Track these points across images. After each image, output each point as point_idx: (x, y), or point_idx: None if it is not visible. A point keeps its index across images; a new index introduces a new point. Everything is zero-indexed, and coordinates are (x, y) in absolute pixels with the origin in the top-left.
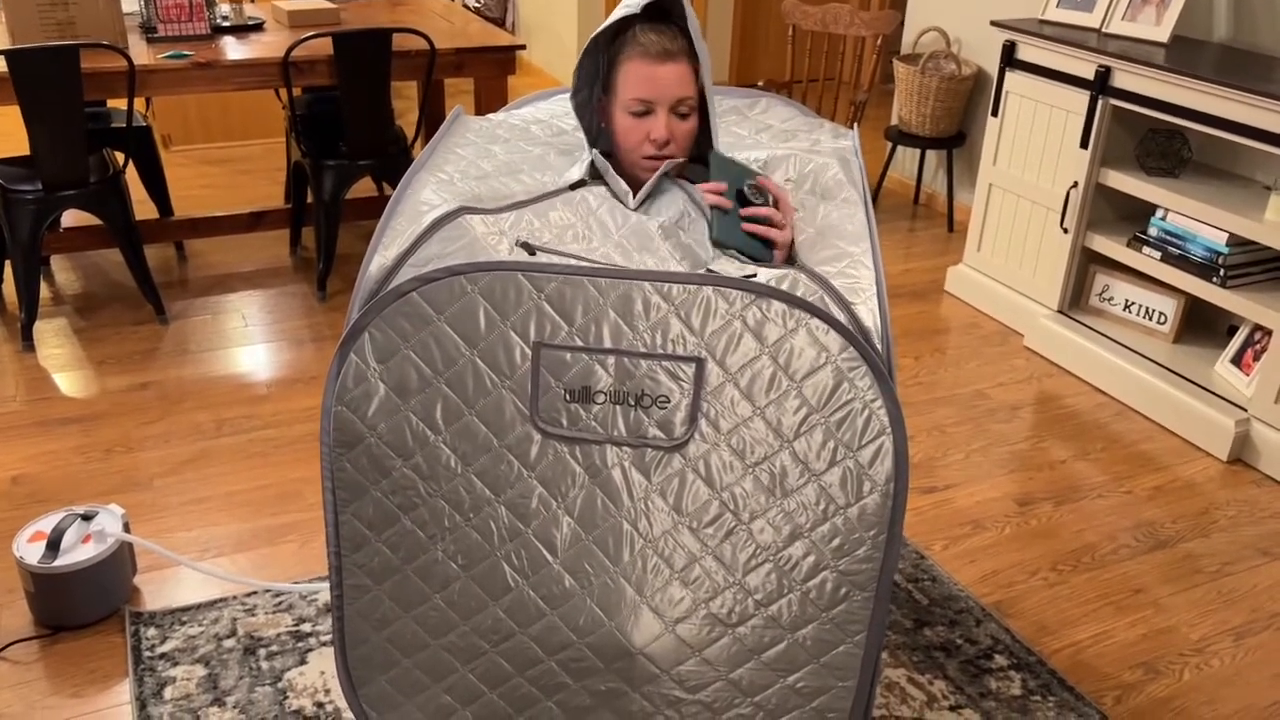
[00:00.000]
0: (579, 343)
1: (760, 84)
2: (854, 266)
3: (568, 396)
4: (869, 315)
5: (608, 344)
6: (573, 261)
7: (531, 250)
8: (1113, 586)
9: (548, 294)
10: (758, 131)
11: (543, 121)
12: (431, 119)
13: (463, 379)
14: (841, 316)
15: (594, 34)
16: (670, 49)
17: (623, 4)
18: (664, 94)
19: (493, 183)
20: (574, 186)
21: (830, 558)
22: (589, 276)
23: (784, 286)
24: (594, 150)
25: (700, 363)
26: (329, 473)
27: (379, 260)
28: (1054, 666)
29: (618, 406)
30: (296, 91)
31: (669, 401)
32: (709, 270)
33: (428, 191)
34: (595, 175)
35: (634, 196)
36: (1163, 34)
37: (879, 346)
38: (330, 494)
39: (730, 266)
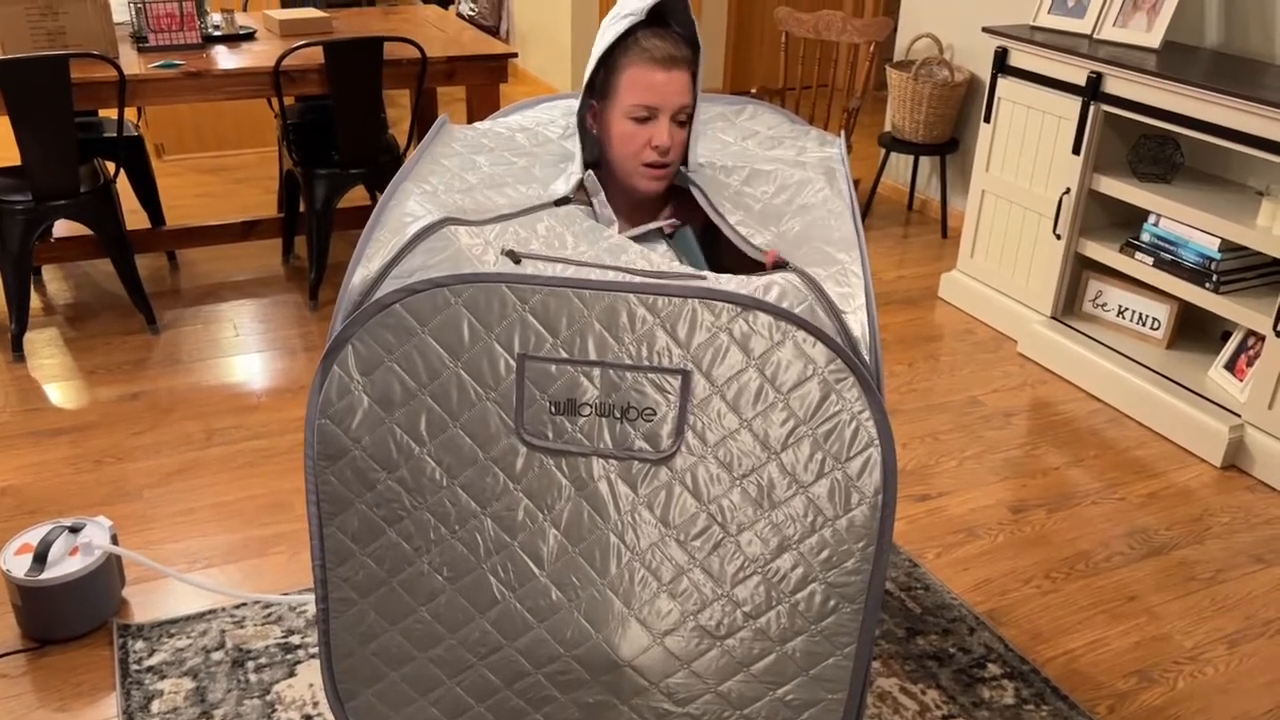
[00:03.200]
0: (564, 355)
1: (753, 91)
2: (844, 275)
3: (553, 409)
4: (858, 325)
5: (593, 356)
6: (559, 269)
7: (517, 259)
8: (1106, 594)
9: (532, 306)
10: (744, 138)
11: (528, 129)
12: (424, 127)
13: (447, 391)
14: (830, 325)
15: (603, 48)
16: (675, 56)
17: (624, 14)
18: (668, 101)
19: (477, 195)
20: (558, 203)
21: (819, 570)
22: (573, 288)
23: (771, 296)
24: (587, 171)
25: (686, 375)
26: (313, 486)
27: (362, 272)
28: (1047, 675)
29: (604, 419)
30: (288, 100)
31: (655, 414)
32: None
33: (411, 202)
34: (580, 190)
35: (618, 228)
36: (1154, 40)
37: (867, 357)
38: (314, 507)
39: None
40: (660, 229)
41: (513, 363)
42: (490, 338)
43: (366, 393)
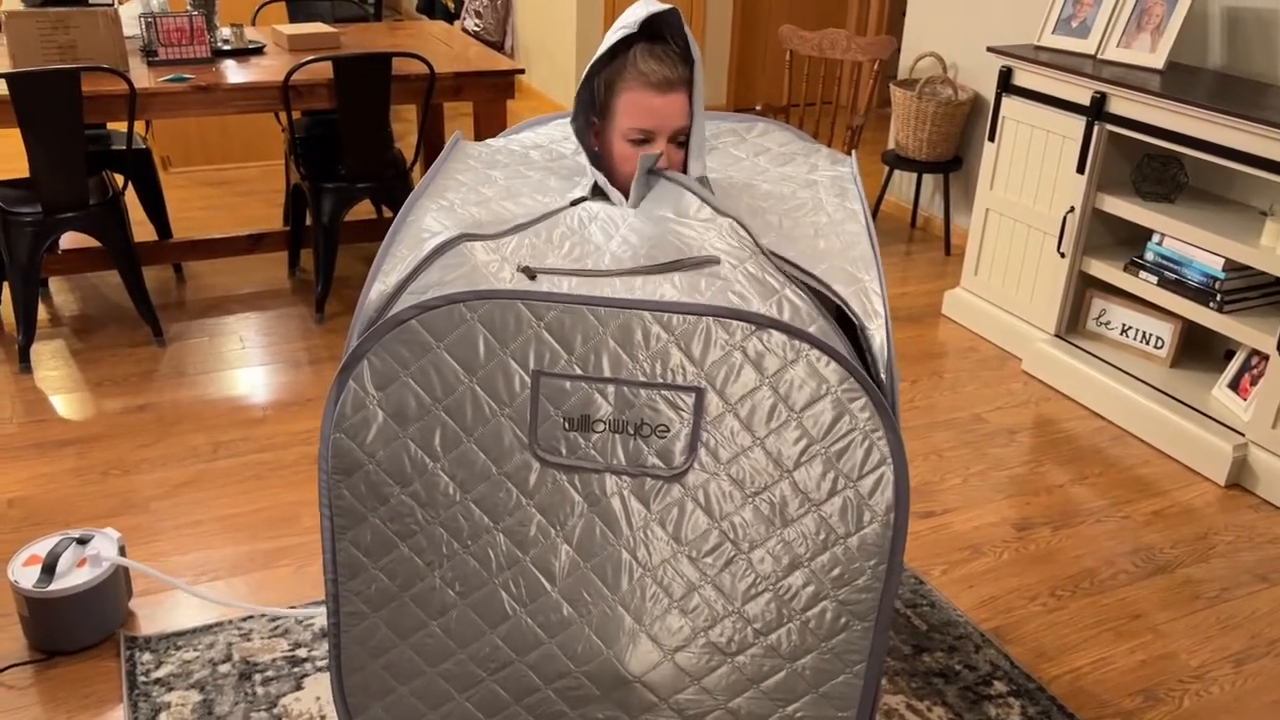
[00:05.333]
0: (578, 371)
1: (758, 108)
2: (864, 293)
3: (567, 425)
4: (878, 344)
5: (607, 373)
6: (574, 283)
7: (533, 275)
8: (1112, 612)
9: (547, 322)
10: (756, 154)
11: (542, 146)
12: (430, 142)
13: (462, 406)
14: (842, 345)
15: (593, 60)
16: (671, 78)
17: (618, 26)
18: (665, 124)
19: (493, 207)
20: (574, 203)
21: (830, 587)
22: (589, 305)
23: (785, 315)
24: (597, 173)
25: (700, 392)
26: (327, 500)
27: (379, 287)
28: (1053, 693)
29: (617, 435)
30: (296, 115)
31: (668, 431)
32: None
33: (428, 218)
34: (596, 193)
35: (627, 201)
36: (1158, 61)
37: (884, 376)
38: (328, 521)
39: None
40: (652, 170)
41: (527, 379)
42: (505, 354)
43: (381, 407)
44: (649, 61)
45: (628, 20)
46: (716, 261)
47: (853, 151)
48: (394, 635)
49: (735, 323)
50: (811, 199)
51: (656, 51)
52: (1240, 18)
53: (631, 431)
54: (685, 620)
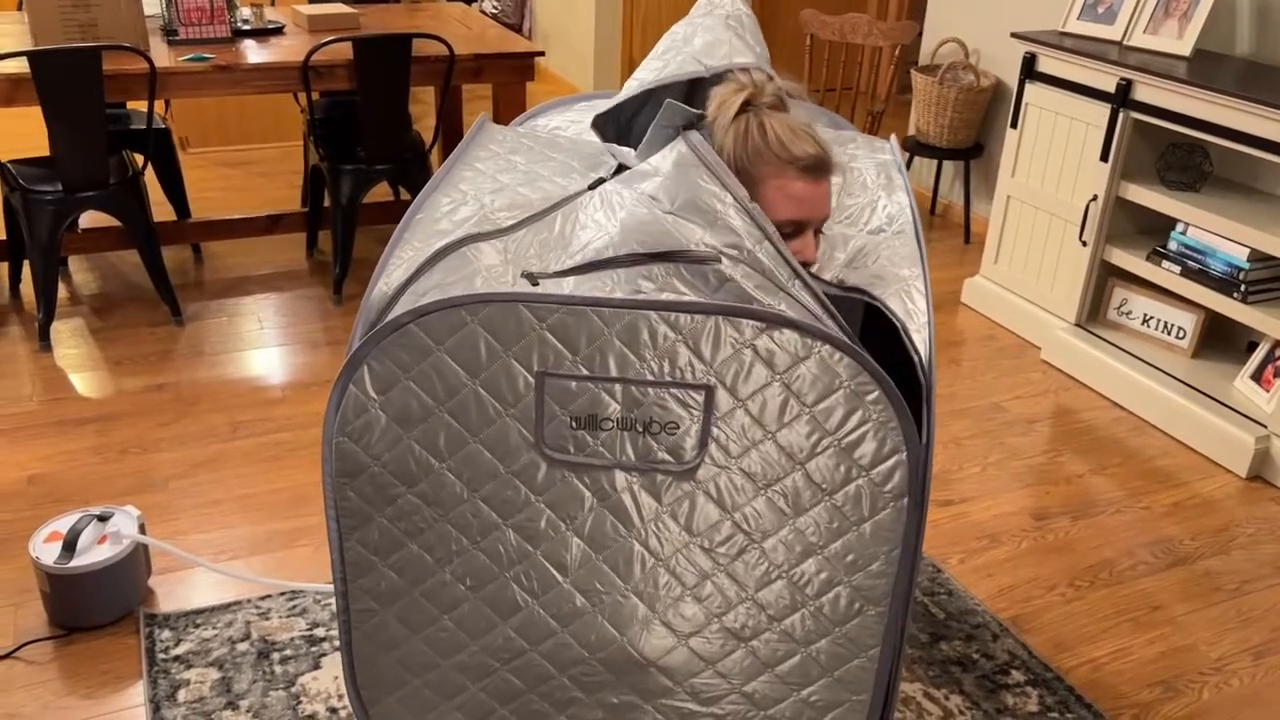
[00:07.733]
0: (584, 372)
1: None
2: (907, 291)
3: (574, 424)
4: (923, 344)
5: (614, 373)
6: (578, 280)
7: (535, 281)
8: (1130, 603)
9: (550, 324)
10: None
11: (570, 138)
12: (449, 124)
13: (465, 408)
14: (859, 351)
15: (668, 77)
16: (826, 161)
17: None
18: (818, 213)
19: (509, 193)
20: (593, 186)
21: (843, 573)
22: (592, 306)
23: (794, 312)
24: (615, 149)
25: (710, 390)
26: (332, 501)
27: (380, 288)
28: (1071, 683)
29: (626, 433)
30: (315, 96)
31: (678, 428)
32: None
33: (438, 214)
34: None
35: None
36: (1185, 48)
37: (924, 372)
38: (334, 522)
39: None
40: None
41: (531, 380)
42: (508, 356)
43: (384, 411)
44: (799, 143)
45: (731, 58)
46: (718, 260)
47: (892, 136)
48: (406, 630)
49: (745, 320)
50: (867, 201)
51: (795, 126)
52: (1269, 4)
53: (640, 429)
54: (699, 607)
